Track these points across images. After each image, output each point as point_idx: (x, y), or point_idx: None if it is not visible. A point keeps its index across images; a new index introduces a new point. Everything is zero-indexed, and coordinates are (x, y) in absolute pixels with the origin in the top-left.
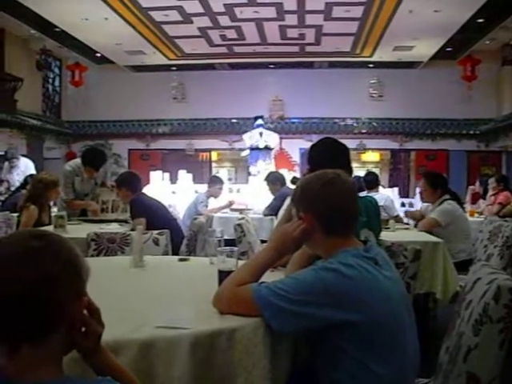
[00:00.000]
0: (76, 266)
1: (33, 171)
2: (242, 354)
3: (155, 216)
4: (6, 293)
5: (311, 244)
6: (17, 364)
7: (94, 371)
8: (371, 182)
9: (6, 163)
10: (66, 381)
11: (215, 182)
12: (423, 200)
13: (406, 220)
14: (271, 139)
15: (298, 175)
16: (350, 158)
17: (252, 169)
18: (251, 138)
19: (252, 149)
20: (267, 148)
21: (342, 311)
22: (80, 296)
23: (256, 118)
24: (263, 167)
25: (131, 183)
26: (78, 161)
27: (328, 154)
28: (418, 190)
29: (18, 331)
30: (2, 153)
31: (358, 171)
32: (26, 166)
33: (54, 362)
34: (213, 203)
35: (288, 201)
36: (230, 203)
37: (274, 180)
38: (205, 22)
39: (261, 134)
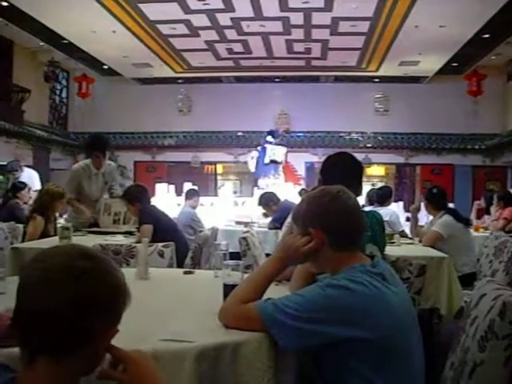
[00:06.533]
0: (117, 295)
1: (37, 181)
2: (246, 368)
3: (162, 227)
4: (38, 305)
5: (318, 259)
6: (31, 378)
7: None
8: (384, 195)
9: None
10: None
11: (192, 194)
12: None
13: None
14: (277, 152)
15: (305, 187)
16: (362, 174)
17: (260, 182)
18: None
19: (260, 161)
20: (275, 162)
21: (350, 328)
22: (114, 325)
23: (268, 133)
24: (271, 181)
25: (144, 198)
26: (86, 160)
27: (345, 168)
28: (422, 203)
29: (41, 344)
30: (6, 163)
31: (364, 185)
32: (29, 177)
33: (70, 382)
34: None
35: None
36: None
37: (267, 202)
38: (212, 35)
39: (264, 148)
